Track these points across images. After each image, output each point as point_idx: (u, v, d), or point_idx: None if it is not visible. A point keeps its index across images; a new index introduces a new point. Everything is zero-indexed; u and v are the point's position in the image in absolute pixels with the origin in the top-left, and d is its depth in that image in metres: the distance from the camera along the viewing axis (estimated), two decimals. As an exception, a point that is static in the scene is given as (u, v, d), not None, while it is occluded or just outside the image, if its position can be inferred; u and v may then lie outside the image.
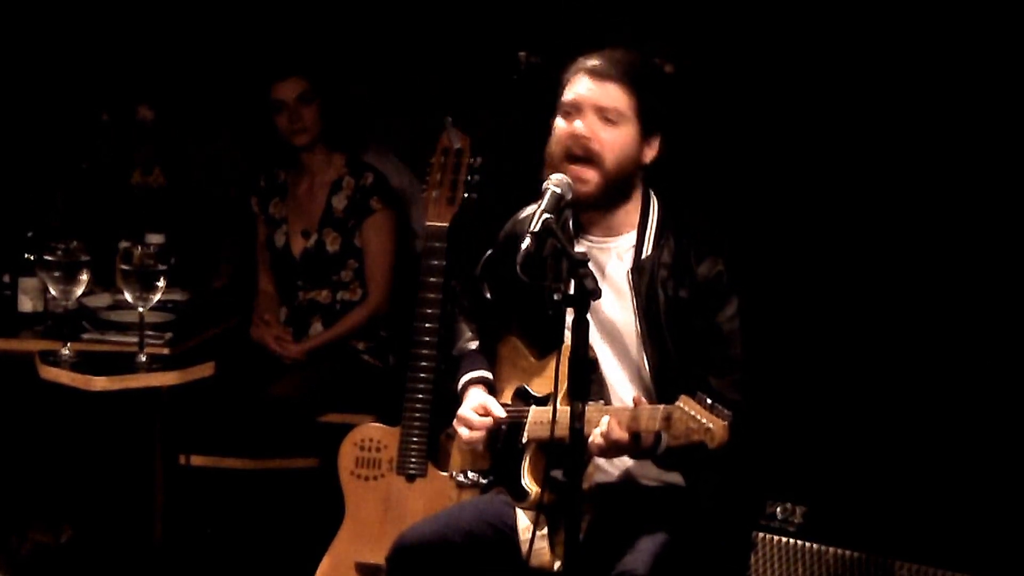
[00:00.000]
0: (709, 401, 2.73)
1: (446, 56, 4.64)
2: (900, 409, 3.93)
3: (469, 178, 3.57)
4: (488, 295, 3.33)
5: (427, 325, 3.50)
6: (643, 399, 2.90)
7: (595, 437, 2.88)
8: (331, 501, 3.61)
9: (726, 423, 2.71)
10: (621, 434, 2.85)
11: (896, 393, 3.93)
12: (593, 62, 3.06)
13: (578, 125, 3.02)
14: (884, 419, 3.93)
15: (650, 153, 3.08)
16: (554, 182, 2.94)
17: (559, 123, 3.07)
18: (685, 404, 2.75)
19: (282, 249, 4.44)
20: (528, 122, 4.29)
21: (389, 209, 4.35)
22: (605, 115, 3.02)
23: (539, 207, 2.87)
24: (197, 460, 4.22)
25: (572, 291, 2.67)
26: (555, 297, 2.70)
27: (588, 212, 3.11)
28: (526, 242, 2.81)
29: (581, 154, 3.02)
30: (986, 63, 3.88)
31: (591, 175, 3.02)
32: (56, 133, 4.85)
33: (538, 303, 3.09)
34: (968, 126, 3.89)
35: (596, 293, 2.66)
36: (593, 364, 3.02)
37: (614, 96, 3.03)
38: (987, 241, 3.90)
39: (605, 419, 2.87)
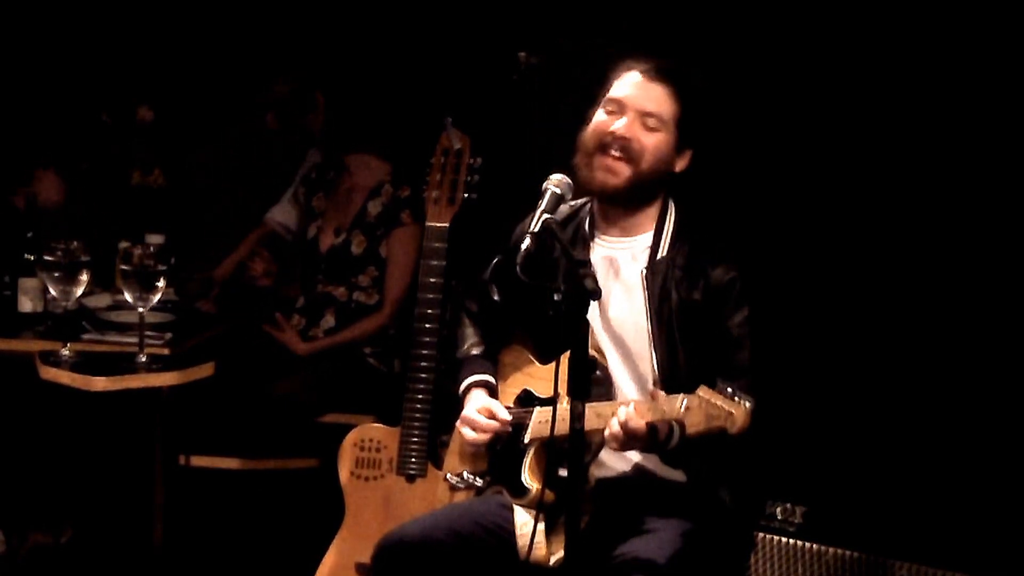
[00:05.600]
0: (730, 390, 2.73)
1: (446, 56, 4.63)
2: (899, 410, 3.93)
3: (469, 178, 3.57)
4: (496, 297, 3.33)
5: (427, 325, 3.50)
6: (660, 392, 2.89)
7: (612, 427, 2.87)
8: (331, 501, 3.61)
9: (748, 408, 2.71)
10: (639, 423, 2.84)
11: (896, 394, 3.94)
12: (646, 64, 3.09)
13: (619, 125, 3.05)
14: (884, 420, 3.93)
15: (681, 164, 3.11)
16: (554, 182, 2.94)
17: (599, 115, 3.10)
18: (704, 393, 2.75)
19: (311, 241, 4.47)
20: (528, 122, 4.32)
21: (418, 225, 4.33)
22: (646, 120, 3.06)
23: (539, 207, 2.88)
24: (197, 460, 4.22)
25: (572, 291, 2.67)
26: (555, 297, 2.70)
27: (608, 209, 3.12)
28: (526, 242, 2.82)
29: (618, 151, 3.04)
30: (1000, 78, 3.88)
31: (623, 169, 3.05)
32: (56, 133, 4.85)
33: (543, 306, 3.09)
34: (982, 141, 3.89)
35: (596, 293, 2.67)
36: (594, 364, 3.02)
37: (659, 100, 3.06)
38: (984, 244, 3.90)
39: (623, 409, 2.87)
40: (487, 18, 4.55)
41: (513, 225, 3.31)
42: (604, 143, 3.06)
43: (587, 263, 2.72)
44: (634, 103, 3.07)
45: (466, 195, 3.56)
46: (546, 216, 2.85)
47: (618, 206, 3.11)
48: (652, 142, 3.06)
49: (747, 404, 2.71)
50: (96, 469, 4.40)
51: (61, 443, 4.39)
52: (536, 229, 2.82)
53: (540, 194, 2.93)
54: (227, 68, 5.01)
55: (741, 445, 2.84)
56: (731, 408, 2.71)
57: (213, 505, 4.31)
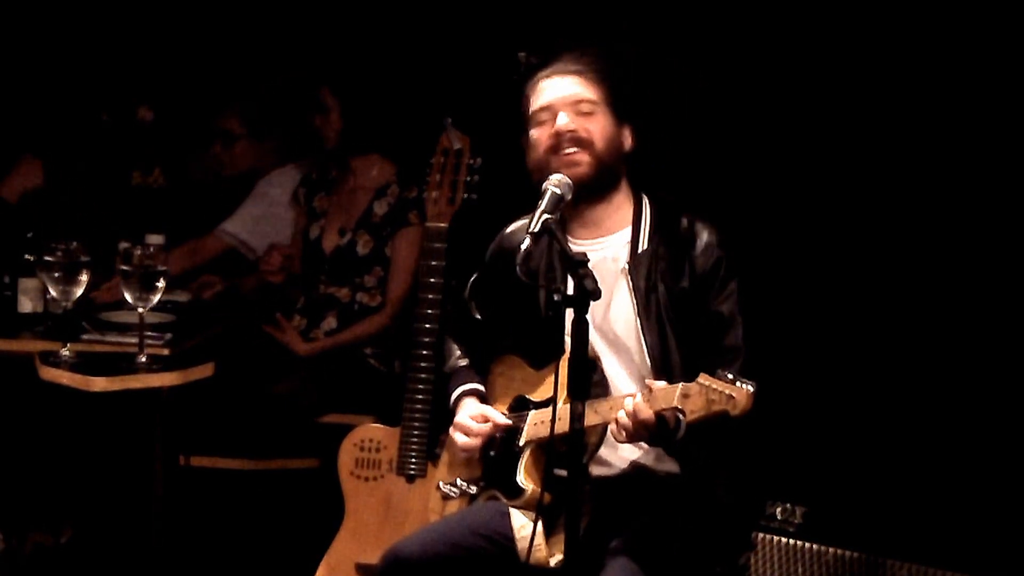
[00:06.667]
0: (730, 376, 2.73)
1: (446, 56, 4.64)
2: (899, 410, 3.93)
3: (469, 178, 3.57)
4: (477, 315, 3.33)
5: (427, 325, 3.50)
6: (655, 383, 2.88)
7: (621, 418, 2.86)
8: (331, 501, 3.61)
9: (750, 391, 2.70)
10: (648, 413, 2.83)
11: (895, 393, 3.94)
12: (549, 67, 3.15)
13: (560, 122, 3.07)
14: (883, 420, 3.93)
15: (628, 141, 3.14)
16: (554, 182, 2.95)
17: (535, 132, 3.12)
18: (704, 379, 2.75)
19: (314, 242, 4.46)
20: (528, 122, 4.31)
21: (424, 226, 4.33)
22: (580, 108, 3.09)
23: (539, 207, 2.88)
24: (197, 460, 4.22)
25: (572, 291, 2.68)
26: (555, 298, 2.70)
27: (580, 207, 3.11)
28: (526, 243, 2.82)
29: (570, 145, 3.06)
30: (987, 61, 3.88)
31: (584, 157, 3.06)
32: (56, 133, 4.84)
33: (534, 313, 3.10)
34: (966, 118, 3.89)
35: (596, 293, 2.67)
36: (595, 364, 3.02)
37: (579, 87, 3.11)
38: (988, 241, 3.90)
39: (629, 399, 2.86)
40: (487, 18, 4.55)
41: (488, 239, 3.32)
42: (554, 146, 3.07)
43: (586, 263, 2.71)
44: (560, 100, 3.10)
45: (466, 195, 3.56)
46: (546, 216, 2.85)
47: (590, 197, 3.10)
48: (595, 125, 3.08)
49: (749, 387, 2.71)
50: (96, 469, 4.40)
51: (61, 443, 4.39)
52: (536, 229, 2.82)
53: (540, 194, 2.93)
54: (227, 68, 5.01)
55: (742, 431, 2.84)
56: (732, 391, 2.71)
57: (213, 505, 4.30)
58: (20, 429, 4.34)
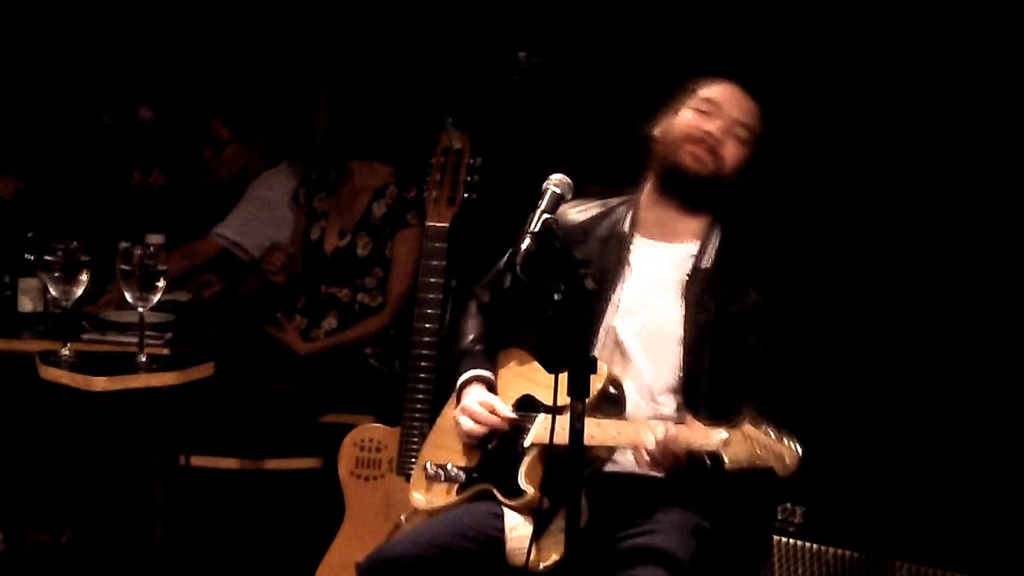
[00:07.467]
0: (773, 434, 2.70)
1: (446, 56, 4.64)
2: (899, 410, 3.92)
3: (469, 178, 3.57)
4: (507, 284, 3.30)
5: (427, 325, 3.50)
6: (696, 421, 2.84)
7: (647, 443, 2.82)
8: (331, 501, 3.61)
9: (799, 454, 2.67)
10: (679, 446, 2.80)
11: (896, 394, 3.93)
12: (738, 81, 3.16)
13: (716, 127, 3.09)
14: (884, 420, 3.93)
15: (743, 186, 3.15)
16: (554, 182, 2.93)
17: (688, 114, 3.14)
18: (749, 430, 2.71)
19: (315, 243, 4.46)
20: (528, 122, 4.31)
21: (423, 226, 4.33)
22: (738, 132, 3.12)
23: (539, 207, 2.87)
24: (197, 460, 4.22)
25: (572, 291, 2.67)
26: (555, 297, 2.70)
27: (667, 199, 3.14)
28: (526, 242, 2.81)
29: (707, 149, 3.09)
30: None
31: (710, 163, 3.09)
32: (56, 134, 4.85)
33: (544, 308, 3.08)
34: (1000, 146, 3.89)
35: (596, 293, 2.66)
36: (594, 364, 3.00)
37: (753, 115, 3.14)
38: (986, 242, 3.90)
39: (661, 427, 2.84)
40: (487, 18, 4.55)
41: (488, 239, 3.31)
42: (696, 137, 3.10)
43: (587, 263, 2.71)
44: (731, 109, 3.12)
45: (466, 195, 3.56)
46: (546, 216, 2.84)
47: (682, 197, 3.13)
48: (739, 153, 3.11)
49: (798, 449, 2.68)
50: (96, 469, 4.40)
51: (61, 443, 4.39)
52: (536, 229, 2.81)
53: (540, 194, 2.92)
54: (227, 68, 5.01)
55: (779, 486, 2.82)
56: (781, 450, 2.68)
57: (213, 505, 4.30)
58: (20, 429, 4.34)
